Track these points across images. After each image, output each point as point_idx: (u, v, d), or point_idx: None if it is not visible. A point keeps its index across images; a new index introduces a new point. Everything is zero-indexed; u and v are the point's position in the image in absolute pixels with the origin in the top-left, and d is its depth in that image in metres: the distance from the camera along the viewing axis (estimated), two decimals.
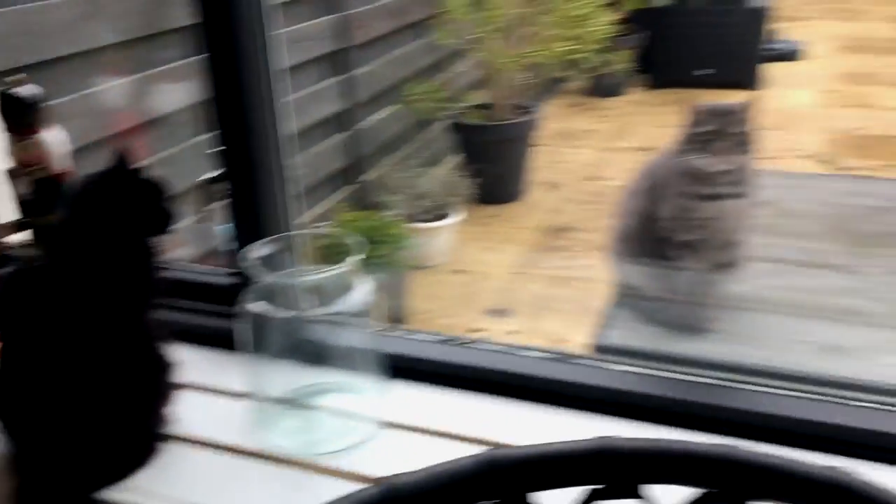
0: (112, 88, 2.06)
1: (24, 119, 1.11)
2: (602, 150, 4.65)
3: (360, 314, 1.05)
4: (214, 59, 1.11)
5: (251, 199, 1.17)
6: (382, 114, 3.62)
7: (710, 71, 5.63)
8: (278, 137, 1.18)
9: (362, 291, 1.05)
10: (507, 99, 3.79)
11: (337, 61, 3.30)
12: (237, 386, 1.09)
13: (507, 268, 3.26)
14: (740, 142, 1.34)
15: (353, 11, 3.34)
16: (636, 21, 5.60)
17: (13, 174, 1.13)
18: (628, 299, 1.46)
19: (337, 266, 1.01)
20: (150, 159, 2.11)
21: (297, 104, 3.12)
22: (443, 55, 3.99)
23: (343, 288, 1.04)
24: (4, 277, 1.00)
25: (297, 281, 1.04)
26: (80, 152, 1.24)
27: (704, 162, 1.34)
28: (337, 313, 1.02)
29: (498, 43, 3.52)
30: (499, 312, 2.79)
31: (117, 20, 2.08)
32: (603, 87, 5.56)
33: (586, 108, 5.48)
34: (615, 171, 4.28)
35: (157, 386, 0.99)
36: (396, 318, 2.76)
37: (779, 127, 4.87)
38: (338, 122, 3.36)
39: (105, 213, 0.95)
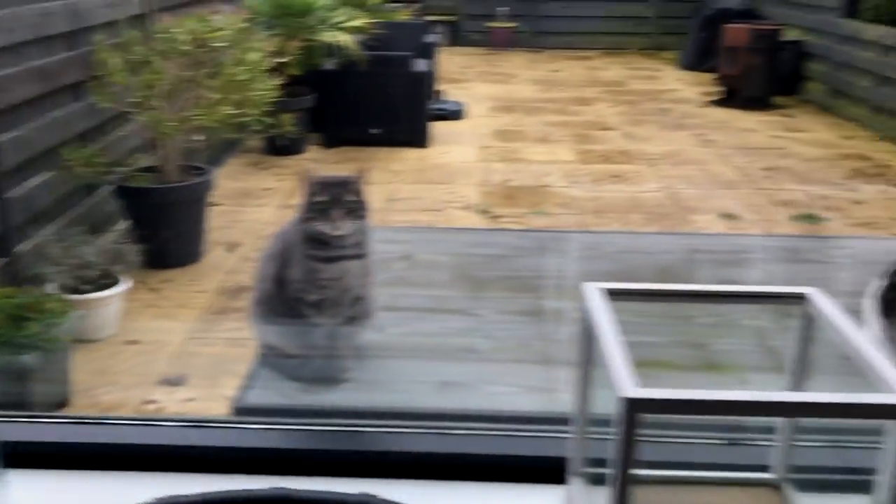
0: None
1: None
2: (281, 207, 4.74)
3: None
4: None
5: None
6: (37, 180, 3.40)
7: (379, 130, 6.02)
8: None
9: None
10: (175, 161, 3.75)
11: None
12: None
13: (182, 334, 3.21)
14: (354, 208, 1.49)
15: None
16: (307, 83, 5.84)
17: None
18: (270, 359, 1.54)
19: None
20: None
21: None
22: (106, 118, 3.85)
23: None
24: None
25: None
26: None
27: (323, 228, 1.47)
28: None
29: (160, 106, 3.49)
30: (173, 382, 2.73)
31: None
32: (280, 147, 5.69)
33: (265, 166, 5.57)
34: None
35: None
36: (59, 402, 2.59)
37: (443, 181, 5.33)
38: None
39: None
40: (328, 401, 1.44)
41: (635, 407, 0.72)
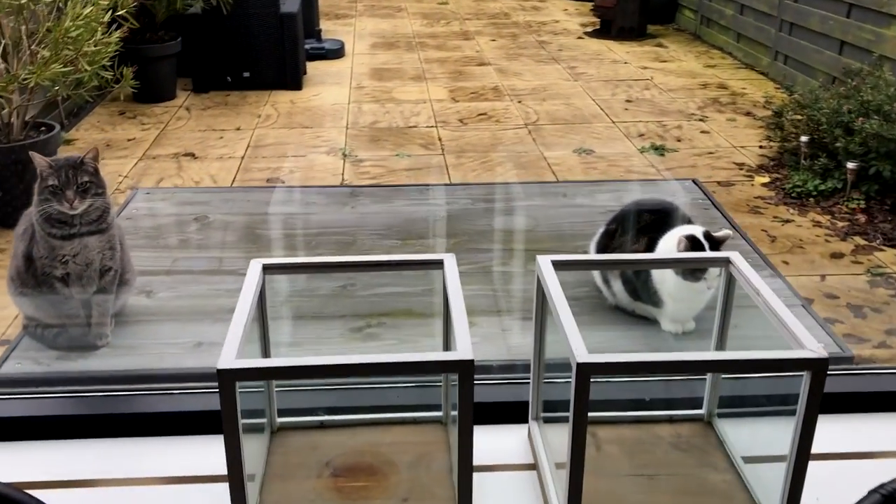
0: None
1: None
2: (144, 158, 4.74)
3: None
4: None
5: None
6: None
7: (249, 74, 5.98)
8: None
9: None
10: (18, 119, 3.71)
11: None
12: None
13: None
14: (88, 187, 1.58)
15: None
16: (171, 28, 5.74)
17: None
18: (31, 330, 1.64)
19: None
20: None
21: None
22: None
23: None
24: None
25: None
26: None
27: (60, 208, 1.55)
28: None
29: None
30: None
31: None
32: (149, 94, 5.61)
33: (132, 115, 5.50)
34: (154, 178, 4.41)
35: None
36: None
37: (311, 125, 5.37)
38: None
39: None
40: (82, 367, 1.55)
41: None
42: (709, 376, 1.19)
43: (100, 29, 3.65)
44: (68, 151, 4.69)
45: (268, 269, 1.10)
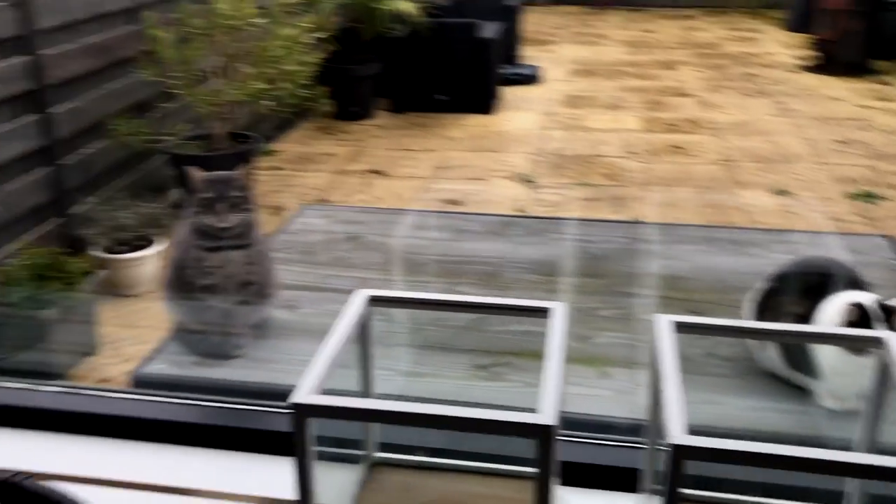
0: None
1: None
2: (336, 173, 4.96)
3: None
4: None
5: None
6: (91, 148, 3.73)
7: (445, 97, 6.12)
8: None
9: None
10: (222, 130, 4.00)
11: (32, 100, 3.38)
12: None
13: None
14: (237, 203, 1.64)
15: (48, 52, 3.44)
16: (373, 51, 6.00)
17: None
18: (178, 334, 1.73)
19: None
20: None
21: None
22: (160, 90, 4.14)
23: None
24: None
25: None
26: None
27: (208, 221, 1.62)
28: None
29: (197, 81, 3.74)
30: None
31: None
32: (349, 112, 5.90)
33: (332, 132, 5.79)
34: (342, 193, 4.61)
35: None
36: (85, 352, 2.89)
37: (497, 149, 5.40)
38: (39, 158, 3.45)
39: None
40: (216, 374, 1.61)
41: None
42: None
43: (300, 49, 3.87)
44: (269, 162, 5.01)
45: (374, 301, 1.09)
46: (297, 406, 0.89)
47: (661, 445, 1.09)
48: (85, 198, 3.66)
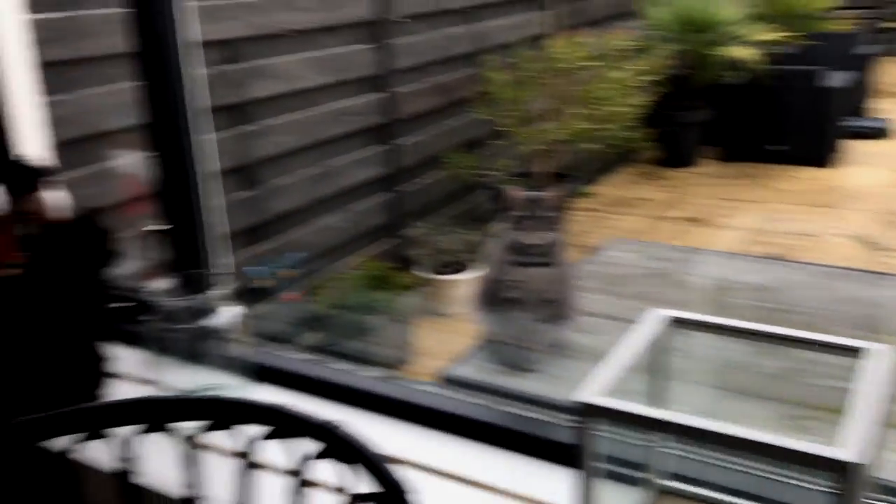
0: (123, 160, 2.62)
1: (31, 181, 1.61)
2: (651, 218, 4.90)
3: (227, 330, 1.46)
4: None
5: (177, 241, 1.63)
6: (426, 179, 4.08)
7: (783, 147, 5.77)
8: (199, 184, 1.62)
9: (229, 314, 1.46)
10: (544, 169, 4.16)
11: (381, 132, 3.79)
12: (149, 376, 1.53)
13: None
14: (548, 223, 1.67)
15: (400, 90, 3.84)
16: (703, 97, 5.85)
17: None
18: (485, 343, 1.80)
19: (206, 295, 1.44)
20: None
21: (342, 168, 3.63)
22: (491, 129, 4.42)
23: (213, 310, 1.46)
24: None
25: (179, 304, 1.47)
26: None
27: (518, 237, 1.68)
28: (207, 328, 1.45)
29: (529, 120, 3.93)
30: None
31: None
32: (673, 159, 5.81)
33: (652, 177, 5.73)
34: (655, 238, 4.53)
35: (93, 370, 1.44)
36: (398, 362, 3.13)
37: (832, 205, 4.97)
38: (381, 184, 3.84)
39: (62, 251, 1.41)
40: (510, 384, 1.66)
41: None
42: None
43: (628, 92, 3.91)
44: (586, 203, 5.09)
45: (675, 322, 1.07)
46: (582, 406, 0.90)
47: None
48: (415, 223, 4.00)
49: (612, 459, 1.06)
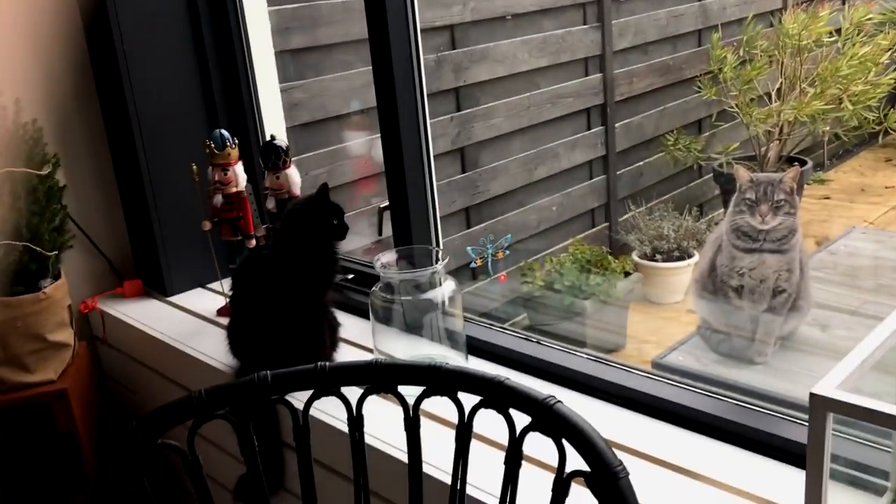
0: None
1: (278, 159, 1.75)
2: (889, 207, 4.46)
3: (448, 304, 1.51)
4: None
5: (401, 218, 1.70)
6: (647, 161, 3.97)
7: None
8: (425, 165, 1.68)
9: (448, 289, 1.51)
10: (775, 151, 3.91)
11: (602, 113, 3.74)
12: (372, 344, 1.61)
13: None
14: (781, 206, 1.55)
15: (620, 70, 3.76)
16: None
17: (266, 195, 1.79)
18: (702, 331, 1.71)
19: (429, 269, 1.49)
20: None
21: (557, 150, 3.63)
22: (716, 110, 4.22)
23: (434, 285, 1.50)
24: (244, 257, 1.64)
25: (402, 277, 1.53)
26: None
27: (746, 221, 1.57)
28: (428, 301, 1.50)
29: (758, 100, 3.70)
30: None
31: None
32: None
33: None
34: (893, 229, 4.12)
35: (328, 335, 1.55)
36: (614, 348, 3.09)
37: None
38: (598, 166, 3.80)
39: (303, 224, 1.51)
40: (734, 376, 1.57)
41: None
42: None
43: (874, 69, 3.57)
44: (818, 191, 4.73)
45: None
46: (816, 398, 0.85)
47: None
48: (632, 206, 3.91)
49: (849, 463, 0.99)
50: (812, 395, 0.83)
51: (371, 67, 1.64)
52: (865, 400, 0.85)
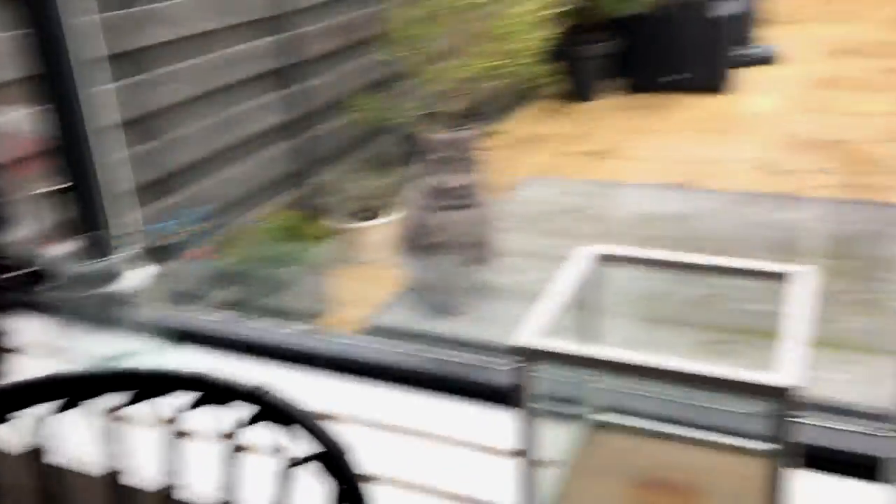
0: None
1: None
2: (559, 154, 4.93)
3: (137, 293, 1.38)
4: None
5: (75, 203, 1.53)
6: (333, 124, 3.97)
7: (683, 76, 5.88)
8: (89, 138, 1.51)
9: (137, 276, 1.38)
10: (453, 108, 4.10)
11: (282, 76, 3.65)
12: (58, 345, 1.44)
13: None
14: (466, 165, 1.64)
15: (299, 31, 3.70)
16: (611, 28, 5.88)
17: None
18: (410, 289, 1.77)
19: (110, 258, 1.35)
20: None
21: (243, 116, 3.49)
22: (397, 70, 4.32)
23: (119, 273, 1.37)
24: None
25: (82, 269, 1.38)
26: None
27: (438, 180, 1.64)
28: (115, 292, 1.36)
29: (433, 60, 3.86)
30: None
31: None
32: (580, 92, 5.84)
33: (560, 112, 5.76)
34: (565, 173, 4.57)
35: None
36: (315, 313, 3.07)
37: (729, 131, 5.11)
38: (285, 131, 3.72)
39: None
40: (437, 328, 1.65)
41: None
42: None
43: (531, 27, 3.87)
44: (496, 143, 5.08)
45: (604, 259, 1.06)
46: (522, 350, 0.89)
47: None
48: (324, 169, 3.91)
49: (548, 398, 1.06)
50: (515, 345, 0.87)
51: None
52: (559, 345, 0.92)
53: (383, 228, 3.57)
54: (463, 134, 1.74)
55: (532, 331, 0.90)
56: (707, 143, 4.95)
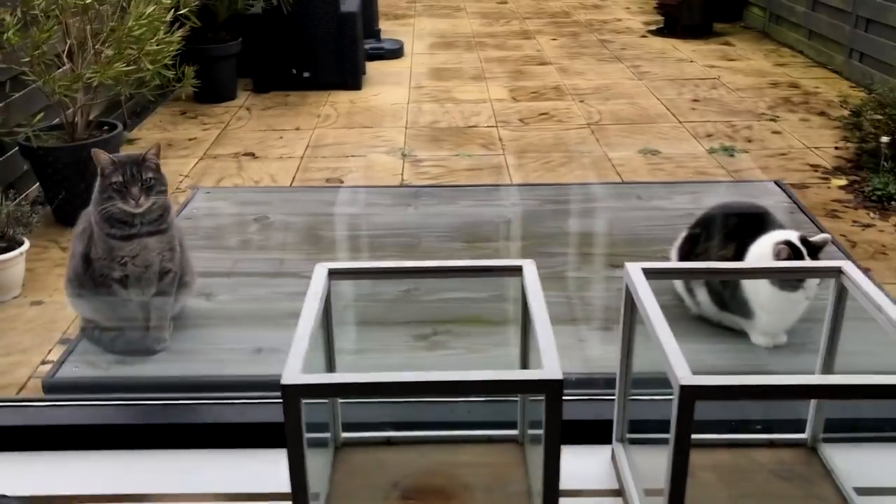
0: None
1: None
2: (204, 158, 4.74)
3: None
4: None
5: None
6: None
7: (310, 74, 5.96)
8: None
9: None
10: (82, 118, 3.72)
11: None
12: None
13: None
14: (152, 185, 1.52)
15: None
16: (231, 28, 5.76)
17: None
18: (88, 333, 1.59)
19: None
20: None
21: None
22: (9, 77, 3.81)
23: None
24: None
25: None
26: None
27: (123, 206, 1.50)
28: None
29: (52, 65, 3.46)
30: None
31: None
32: (212, 93, 5.63)
33: (194, 115, 5.52)
34: (214, 178, 4.41)
35: None
36: None
37: (370, 125, 5.33)
38: None
39: None
40: (139, 372, 1.50)
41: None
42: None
43: (162, 28, 3.65)
44: (130, 150, 4.72)
45: (334, 274, 1.02)
46: (288, 388, 0.83)
47: (633, 394, 1.10)
48: None
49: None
50: (284, 386, 0.81)
51: None
52: (326, 377, 0.88)
53: (22, 260, 3.14)
54: (142, 152, 1.58)
55: (294, 367, 0.85)
56: (348, 138, 5.10)
